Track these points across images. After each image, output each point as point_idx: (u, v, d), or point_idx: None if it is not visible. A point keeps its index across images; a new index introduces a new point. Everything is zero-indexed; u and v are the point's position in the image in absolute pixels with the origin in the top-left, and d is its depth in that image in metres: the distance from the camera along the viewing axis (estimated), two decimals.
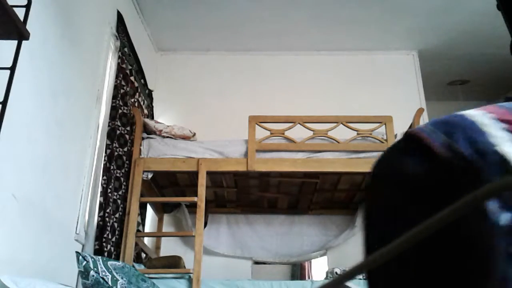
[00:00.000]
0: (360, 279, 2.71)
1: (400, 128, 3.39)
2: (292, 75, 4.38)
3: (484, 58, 4.50)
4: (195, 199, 3.01)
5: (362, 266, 0.34)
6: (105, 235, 2.75)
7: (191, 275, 2.85)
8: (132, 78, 3.46)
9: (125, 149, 3.12)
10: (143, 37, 4.07)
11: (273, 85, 4.34)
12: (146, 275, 2.58)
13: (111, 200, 2.86)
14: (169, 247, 3.68)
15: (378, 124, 3.16)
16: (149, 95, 4.03)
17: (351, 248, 3.74)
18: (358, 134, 3.13)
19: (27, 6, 1.61)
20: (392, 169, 0.50)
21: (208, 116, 4.16)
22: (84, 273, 2.00)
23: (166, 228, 3.88)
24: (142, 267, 3.05)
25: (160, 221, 3.88)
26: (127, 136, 3.16)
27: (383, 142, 3.09)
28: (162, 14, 3.97)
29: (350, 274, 0.33)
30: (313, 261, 3.94)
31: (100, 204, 2.78)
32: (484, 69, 4.69)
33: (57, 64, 2.31)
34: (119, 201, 2.99)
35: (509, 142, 0.43)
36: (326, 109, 3.68)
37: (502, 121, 0.46)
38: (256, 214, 4.01)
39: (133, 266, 2.58)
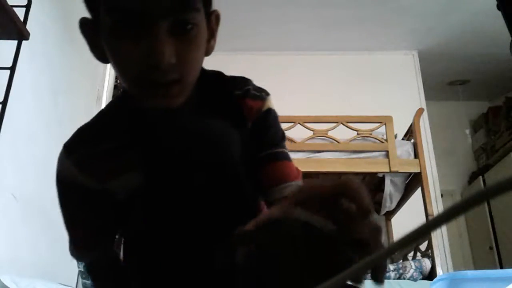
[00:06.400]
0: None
1: (400, 128, 3.39)
2: (292, 75, 4.38)
3: (484, 58, 4.49)
4: None
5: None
6: None
7: None
8: None
9: None
10: None
11: (273, 85, 4.29)
12: None
13: None
14: None
15: (378, 124, 3.16)
16: None
17: None
18: (358, 134, 3.12)
19: (27, 6, 1.61)
20: None
21: None
22: (84, 273, 2.00)
23: None
24: None
25: None
26: None
27: (383, 142, 3.09)
28: None
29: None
30: None
31: None
32: (484, 69, 4.69)
33: (57, 64, 2.31)
34: None
35: None
36: (326, 109, 3.68)
37: None
38: None
39: None
